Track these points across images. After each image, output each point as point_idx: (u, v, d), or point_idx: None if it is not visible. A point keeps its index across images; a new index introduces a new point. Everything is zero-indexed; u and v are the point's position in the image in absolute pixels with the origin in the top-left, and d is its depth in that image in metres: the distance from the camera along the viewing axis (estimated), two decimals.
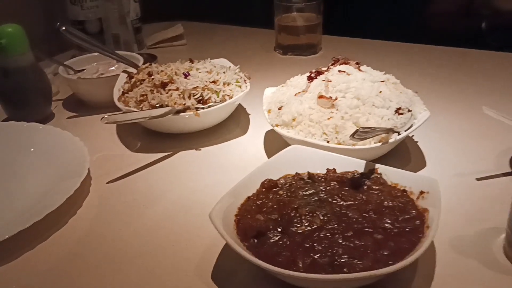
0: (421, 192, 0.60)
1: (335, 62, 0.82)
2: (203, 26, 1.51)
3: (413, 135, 0.85)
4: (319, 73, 0.80)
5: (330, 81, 0.77)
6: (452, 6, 1.61)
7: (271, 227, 0.56)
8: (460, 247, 0.61)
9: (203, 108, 0.83)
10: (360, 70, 0.80)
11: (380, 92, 0.75)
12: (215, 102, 0.84)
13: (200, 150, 0.85)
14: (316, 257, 0.52)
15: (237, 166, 0.79)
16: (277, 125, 0.77)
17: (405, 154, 0.81)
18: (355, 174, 0.65)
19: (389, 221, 0.57)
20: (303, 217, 0.57)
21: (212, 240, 0.61)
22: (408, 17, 1.53)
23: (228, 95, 0.86)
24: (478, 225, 0.64)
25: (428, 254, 0.60)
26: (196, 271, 0.59)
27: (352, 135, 0.64)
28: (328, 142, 0.71)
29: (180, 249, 0.63)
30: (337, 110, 0.74)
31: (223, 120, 0.90)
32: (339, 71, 0.79)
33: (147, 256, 0.62)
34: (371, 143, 0.70)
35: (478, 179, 0.73)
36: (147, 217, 0.70)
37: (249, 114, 0.96)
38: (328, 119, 0.73)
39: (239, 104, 0.96)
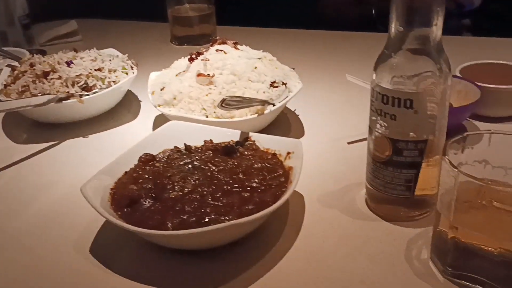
0: (288, 153, 0.65)
1: (214, 42, 0.86)
2: (99, 22, 1.50)
3: (295, 109, 0.90)
4: (199, 53, 0.83)
5: (208, 59, 0.80)
6: None
7: (143, 195, 0.58)
8: (328, 201, 0.66)
9: (87, 95, 0.83)
10: (237, 49, 0.84)
11: (256, 67, 0.79)
12: (100, 88, 0.85)
13: (87, 137, 0.85)
14: (185, 217, 0.55)
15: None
16: (159, 105, 0.79)
17: (286, 125, 0.86)
18: (230, 143, 0.69)
19: (256, 181, 0.61)
20: (175, 184, 0.60)
21: (94, 217, 0.62)
22: (302, 6, 1.60)
23: (114, 82, 0.87)
24: (346, 182, 0.70)
25: (298, 209, 0.65)
26: (76, 246, 0.60)
27: (220, 104, 0.67)
28: (207, 116, 0.75)
29: (62, 228, 0.64)
30: (215, 86, 0.77)
31: (112, 107, 0.91)
32: (217, 50, 0.82)
33: (33, 238, 0.62)
34: (247, 115, 0.74)
35: (349, 143, 0.79)
36: (36, 205, 0.69)
37: (141, 101, 0.97)
38: (207, 95, 0.76)
39: (130, 91, 0.98)
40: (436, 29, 0.54)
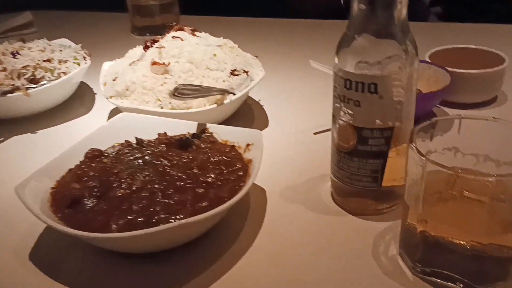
0: (247, 145, 0.60)
1: (170, 28, 0.80)
2: (56, 13, 1.43)
3: (259, 99, 0.86)
4: (154, 41, 0.78)
5: (164, 47, 0.75)
6: None
7: (86, 194, 0.53)
8: (291, 196, 0.62)
9: (34, 87, 0.77)
10: (195, 36, 0.78)
11: (215, 55, 0.74)
12: (49, 80, 0.79)
13: (36, 133, 0.79)
14: (131, 217, 0.50)
15: None
16: (111, 97, 0.74)
17: (249, 116, 0.81)
18: (186, 135, 0.64)
19: (212, 176, 0.56)
20: (122, 181, 0.54)
21: (35, 220, 0.57)
22: None
23: (64, 73, 0.81)
24: (311, 175, 0.66)
25: (259, 204, 0.61)
26: (15, 253, 0.55)
27: (173, 93, 0.62)
28: (161, 108, 0.69)
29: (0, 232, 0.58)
30: (170, 75, 0.72)
31: (64, 100, 0.85)
32: (173, 37, 0.77)
33: None
34: (206, 106, 0.70)
35: (315, 133, 0.75)
36: None
37: (95, 94, 0.91)
38: (162, 85, 0.71)
39: (84, 83, 0.92)
40: (401, 7, 0.50)
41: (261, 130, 0.77)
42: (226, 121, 0.75)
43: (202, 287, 0.50)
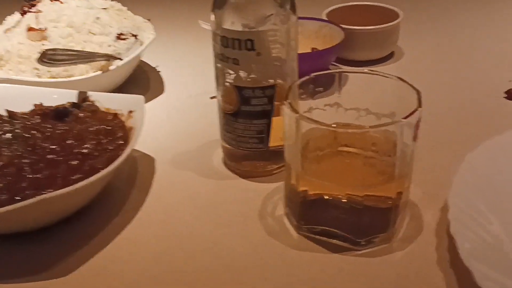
0: (130, 112, 0.57)
1: None
2: None
3: (157, 65, 0.82)
4: (32, 5, 0.72)
5: (41, 11, 0.69)
6: None
7: None
8: (182, 162, 0.60)
9: None
10: None
11: (98, 18, 0.69)
12: None
13: None
14: None
15: None
16: None
17: (144, 83, 0.77)
18: (65, 105, 0.59)
19: (89, 146, 0.52)
20: None
21: None
22: None
23: None
24: (204, 140, 0.63)
25: (147, 174, 0.58)
26: None
27: (41, 59, 0.57)
28: (39, 77, 0.64)
29: None
30: (49, 42, 0.66)
31: None
32: (52, 0, 0.71)
33: None
34: (89, 72, 0.65)
35: (212, 98, 0.72)
36: None
37: None
38: (39, 52, 0.65)
39: None
40: None
41: (157, 96, 0.75)
42: (119, 90, 0.71)
43: (80, 262, 0.46)
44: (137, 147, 0.61)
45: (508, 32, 0.89)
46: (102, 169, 0.49)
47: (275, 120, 0.53)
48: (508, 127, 0.58)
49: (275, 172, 0.56)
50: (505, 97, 0.68)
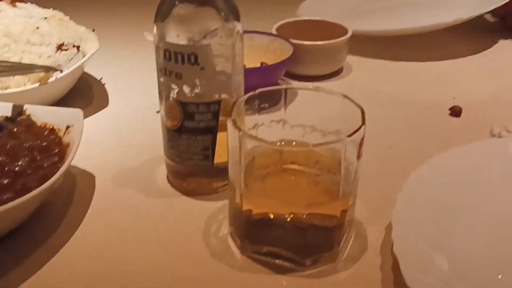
0: (67, 127, 0.54)
1: None
2: None
3: (101, 78, 0.79)
4: None
5: None
6: None
7: None
8: (124, 180, 0.57)
9: None
10: (15, 6, 0.69)
11: (38, 28, 0.66)
12: None
13: None
14: None
15: None
16: None
17: (88, 96, 0.74)
18: None
19: (22, 163, 0.49)
20: None
21: None
22: None
23: None
24: (148, 156, 0.61)
25: (85, 193, 0.55)
26: None
27: None
28: None
29: None
30: None
31: None
32: None
33: None
34: (26, 85, 0.62)
35: (158, 112, 0.70)
36: None
37: None
38: None
39: None
40: None
41: (100, 109, 0.72)
42: (60, 102, 0.68)
43: (13, 285, 0.43)
44: (76, 164, 0.58)
45: (452, 49, 0.91)
46: (35, 187, 0.46)
47: (220, 135, 0.51)
48: (452, 143, 0.59)
49: (220, 189, 0.55)
50: (449, 114, 0.69)
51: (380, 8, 1.03)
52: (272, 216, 0.45)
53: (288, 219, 0.44)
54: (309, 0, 1.00)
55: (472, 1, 0.92)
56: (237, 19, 0.49)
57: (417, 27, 0.85)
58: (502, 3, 0.86)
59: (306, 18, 0.86)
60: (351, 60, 0.84)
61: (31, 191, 0.45)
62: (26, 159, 0.50)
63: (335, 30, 0.81)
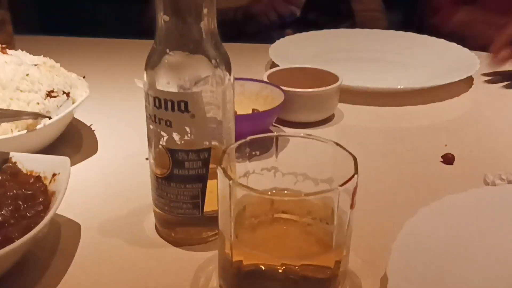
0: (54, 175, 0.53)
1: None
2: None
3: (91, 124, 0.79)
4: None
5: None
6: None
7: None
8: (110, 229, 0.55)
9: None
10: (5, 53, 0.69)
11: (27, 75, 0.66)
12: None
13: None
14: None
15: None
16: None
17: (77, 142, 0.73)
18: None
19: (5, 213, 0.48)
20: None
21: None
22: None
23: None
24: (136, 205, 0.59)
25: (70, 243, 0.53)
26: None
27: None
28: None
29: None
30: None
31: None
32: None
33: None
34: (13, 131, 0.61)
35: (147, 159, 0.69)
36: None
37: None
38: None
39: None
40: (209, 20, 0.47)
41: (89, 156, 0.71)
42: (49, 149, 0.67)
43: None
44: (62, 212, 0.56)
45: (444, 96, 0.92)
46: (18, 238, 0.44)
47: (210, 183, 0.50)
48: (445, 192, 0.58)
49: (210, 239, 0.53)
50: (441, 161, 0.69)
51: (345, 59, 1.05)
52: (263, 268, 0.43)
53: (280, 271, 0.42)
54: (275, 45, 1.04)
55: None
56: (228, 66, 0.49)
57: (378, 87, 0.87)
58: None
59: (297, 65, 0.86)
60: (342, 107, 0.84)
61: (13, 242, 0.43)
62: (10, 208, 0.48)
63: (326, 77, 0.82)
